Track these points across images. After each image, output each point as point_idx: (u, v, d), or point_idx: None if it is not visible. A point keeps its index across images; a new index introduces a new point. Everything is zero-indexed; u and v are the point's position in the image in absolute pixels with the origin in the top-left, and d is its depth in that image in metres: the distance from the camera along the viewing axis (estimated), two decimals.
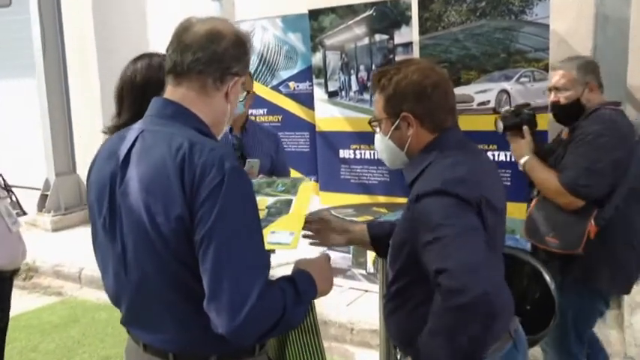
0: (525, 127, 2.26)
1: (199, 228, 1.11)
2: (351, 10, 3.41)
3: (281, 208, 1.68)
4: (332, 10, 3.48)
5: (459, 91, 3.03)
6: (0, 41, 6.30)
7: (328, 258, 1.42)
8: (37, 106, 5.82)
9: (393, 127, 1.46)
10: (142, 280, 1.21)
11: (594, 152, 2.06)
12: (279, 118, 3.79)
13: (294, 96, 3.75)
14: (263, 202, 1.71)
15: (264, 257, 1.18)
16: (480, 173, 1.38)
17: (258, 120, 3.74)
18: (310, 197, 1.77)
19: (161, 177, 1.15)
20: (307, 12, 3.57)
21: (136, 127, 1.27)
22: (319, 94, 3.59)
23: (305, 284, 1.26)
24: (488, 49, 2.97)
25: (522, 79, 2.89)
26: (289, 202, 1.70)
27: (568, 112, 2.21)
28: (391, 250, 1.47)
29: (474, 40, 3.01)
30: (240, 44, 1.28)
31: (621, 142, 2.09)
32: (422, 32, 3.16)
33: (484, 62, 3.00)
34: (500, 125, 2.29)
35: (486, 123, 2.84)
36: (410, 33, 3.21)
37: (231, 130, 2.76)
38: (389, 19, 3.28)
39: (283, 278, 1.25)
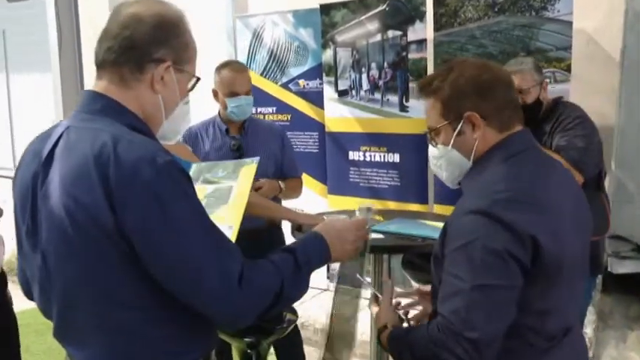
0: None
1: (141, 234, 1.01)
2: (363, 5, 3.25)
3: (220, 198, 1.53)
4: (344, 4, 3.32)
5: None
6: (16, 35, 6.29)
7: (359, 222, 1.34)
8: (51, 102, 5.80)
9: (455, 133, 1.28)
10: (66, 290, 1.10)
11: (585, 134, 2.26)
12: (288, 117, 3.64)
13: (303, 94, 3.60)
14: (202, 190, 1.57)
15: (225, 240, 1.10)
16: (540, 192, 1.20)
17: (267, 119, 3.61)
18: (251, 181, 1.63)
19: (83, 178, 1.04)
20: (318, 6, 3.42)
21: (63, 124, 1.15)
22: (329, 92, 3.44)
23: (309, 252, 1.20)
24: (506, 47, 2.78)
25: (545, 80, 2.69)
26: (229, 190, 1.56)
27: (533, 112, 2.35)
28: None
29: (492, 38, 2.82)
30: (163, 26, 1.15)
31: (596, 129, 2.34)
32: (437, 29, 2.98)
33: (502, 61, 2.79)
34: None
35: None
36: (424, 29, 3.03)
37: (227, 131, 2.64)
38: (402, 14, 3.10)
39: (281, 249, 1.21)
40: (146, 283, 1.05)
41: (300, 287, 1.18)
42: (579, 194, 1.33)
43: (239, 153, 2.58)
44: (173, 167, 1.05)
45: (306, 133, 3.59)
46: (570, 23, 2.59)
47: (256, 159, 1.74)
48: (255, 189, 2.43)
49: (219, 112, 2.69)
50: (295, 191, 2.77)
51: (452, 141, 1.29)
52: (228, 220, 1.46)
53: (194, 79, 1.25)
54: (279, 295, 1.11)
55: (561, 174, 1.32)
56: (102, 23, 1.19)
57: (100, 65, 1.16)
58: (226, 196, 1.55)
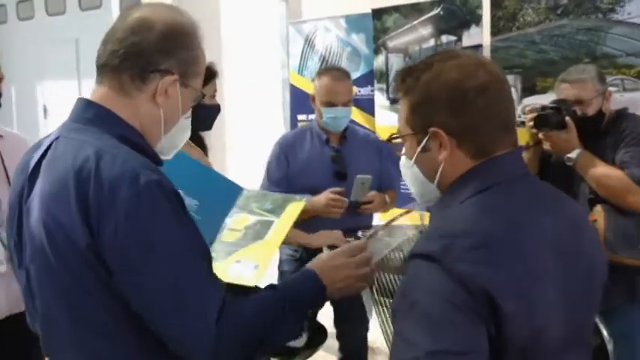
0: (568, 119, 2.00)
1: (118, 260, 0.94)
2: (416, 9, 3.11)
3: (259, 231, 1.44)
4: (396, 8, 3.19)
5: (532, 100, 2.65)
6: (88, 44, 6.56)
7: (357, 247, 1.19)
8: None
9: (419, 148, 1.03)
10: (47, 313, 1.05)
11: None
12: None
13: (355, 101, 3.47)
14: (244, 220, 1.49)
15: (206, 272, 1.01)
16: (519, 239, 0.91)
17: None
18: (293, 220, 1.50)
19: (61, 196, 0.97)
20: (370, 11, 3.31)
21: (54, 134, 1.09)
22: (380, 99, 3.32)
23: (300, 293, 1.08)
24: (569, 53, 2.56)
25: (609, 89, 2.46)
26: (269, 226, 1.46)
27: (594, 124, 2.08)
28: None
29: (553, 43, 2.61)
30: (170, 37, 1.06)
31: None
32: (494, 33, 2.80)
33: (564, 68, 2.57)
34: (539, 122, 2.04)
35: None
36: (480, 34, 2.86)
37: (327, 141, 2.49)
38: (457, 18, 2.94)
39: (268, 286, 1.11)
40: (123, 310, 0.98)
41: (287, 332, 1.08)
42: (589, 241, 1.03)
43: (339, 165, 2.41)
44: (157, 187, 0.96)
45: None
46: None
47: (306, 196, 1.59)
48: (367, 202, 2.32)
49: (317, 120, 2.51)
50: (392, 205, 2.54)
51: (415, 156, 1.05)
52: (256, 259, 1.37)
53: (198, 95, 1.16)
54: (262, 340, 1.02)
55: (563, 215, 1.02)
56: None
57: (101, 68, 1.08)
58: (264, 232, 1.45)
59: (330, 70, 2.53)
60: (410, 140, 1.06)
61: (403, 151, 1.12)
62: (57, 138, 1.06)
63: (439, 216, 1.06)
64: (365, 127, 3.43)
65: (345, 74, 2.50)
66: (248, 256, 1.35)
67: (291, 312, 1.06)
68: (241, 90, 4.88)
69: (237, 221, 1.51)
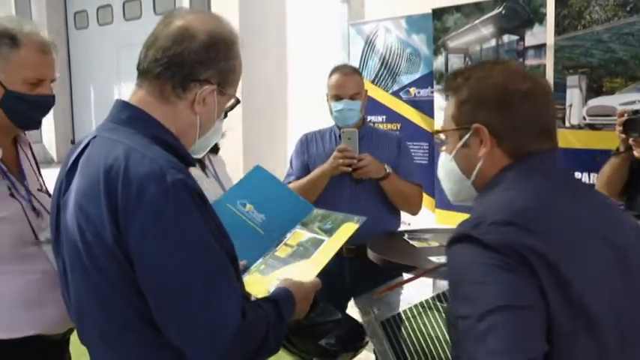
0: None
1: (138, 254, 0.97)
2: (477, 8, 3.03)
3: (308, 249, 1.44)
4: (457, 8, 3.12)
5: (599, 102, 2.53)
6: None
7: (317, 285, 1.28)
8: None
9: (460, 144, 1.09)
10: (78, 303, 1.10)
11: None
12: (398, 127, 3.52)
13: (414, 103, 3.45)
14: (298, 237, 1.49)
15: (232, 280, 1.03)
16: (554, 217, 0.95)
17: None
18: (343, 241, 1.48)
19: (92, 193, 1.01)
20: (431, 11, 3.26)
21: (92, 133, 1.14)
22: (440, 101, 3.25)
23: (287, 306, 1.15)
24: (639, 51, 2.42)
25: None
26: (318, 245, 1.45)
27: None
28: None
29: (622, 41, 2.47)
30: (212, 47, 1.09)
31: None
32: (558, 32, 2.69)
33: (634, 68, 2.45)
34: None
35: None
36: (544, 33, 2.75)
37: (340, 137, 2.50)
38: (520, 17, 2.84)
39: (264, 299, 1.16)
40: (147, 305, 1.01)
41: (280, 339, 1.11)
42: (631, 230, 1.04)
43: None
44: (183, 186, 0.99)
45: (415, 143, 3.44)
46: None
47: (362, 219, 1.56)
48: (358, 160, 2.32)
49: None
50: (410, 199, 2.47)
51: (454, 151, 1.11)
52: (298, 277, 1.34)
53: (233, 101, 1.19)
54: (263, 342, 1.05)
55: (600, 206, 1.05)
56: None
57: (142, 73, 1.12)
58: (312, 251, 1.45)
59: (338, 67, 2.58)
60: (452, 136, 1.12)
61: (444, 148, 1.16)
62: (94, 137, 1.11)
63: (474, 206, 1.09)
64: (424, 129, 3.40)
65: (353, 70, 2.56)
66: (289, 275, 1.35)
67: (285, 319, 1.13)
68: (305, 90, 4.93)
69: (294, 237, 1.53)
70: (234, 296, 1.01)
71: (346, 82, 2.45)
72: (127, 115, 1.10)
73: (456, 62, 3.15)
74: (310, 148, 2.56)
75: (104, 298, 1.05)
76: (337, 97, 2.45)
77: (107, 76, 7.46)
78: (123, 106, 1.12)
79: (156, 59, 1.09)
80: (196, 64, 1.09)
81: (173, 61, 1.08)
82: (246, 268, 1.44)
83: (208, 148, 1.24)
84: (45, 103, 1.49)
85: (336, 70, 2.54)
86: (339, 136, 2.50)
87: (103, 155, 1.04)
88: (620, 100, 2.50)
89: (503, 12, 2.90)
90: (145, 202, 0.97)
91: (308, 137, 2.63)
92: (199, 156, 1.21)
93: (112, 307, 1.05)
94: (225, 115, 1.22)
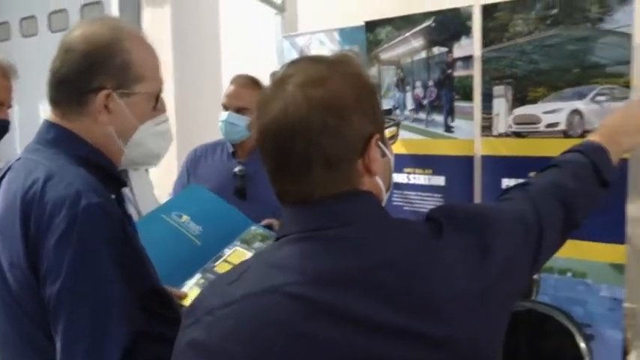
0: None
1: (48, 285, 0.92)
2: (408, 21, 3.12)
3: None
4: (389, 21, 3.20)
5: (524, 110, 2.65)
6: None
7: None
8: None
9: None
10: (2, 338, 1.04)
11: None
12: None
13: None
14: (240, 256, 1.48)
15: (120, 320, 0.94)
16: None
17: None
18: None
19: (9, 219, 0.97)
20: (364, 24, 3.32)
21: (16, 155, 1.10)
22: None
23: None
24: (559, 62, 2.56)
25: (599, 98, 2.45)
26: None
27: None
28: None
29: (543, 53, 2.61)
30: (91, 53, 1.04)
31: None
32: (485, 44, 2.80)
33: (555, 78, 2.58)
34: None
35: (554, 148, 2.42)
36: (471, 45, 2.86)
37: (234, 154, 2.40)
38: (448, 30, 2.95)
39: None
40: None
41: None
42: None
43: (241, 182, 2.27)
44: (97, 211, 0.94)
45: None
46: (629, 35, 2.35)
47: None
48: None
49: None
50: None
51: None
52: None
53: (154, 96, 1.12)
54: None
55: None
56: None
57: (48, 99, 1.08)
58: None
59: (238, 76, 2.43)
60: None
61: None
62: (18, 159, 1.07)
63: None
64: None
65: (250, 82, 2.38)
66: None
67: None
68: None
69: (235, 255, 1.51)
70: (119, 337, 0.92)
71: (236, 93, 2.33)
72: (54, 135, 1.06)
73: (389, 74, 3.22)
74: (193, 169, 2.40)
75: (21, 327, 0.99)
76: (224, 107, 2.33)
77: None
78: (48, 125, 1.08)
79: (50, 83, 1.07)
80: (81, 75, 1.04)
81: (57, 80, 1.05)
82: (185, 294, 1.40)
83: (158, 157, 1.18)
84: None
85: (234, 78, 2.42)
86: (233, 153, 2.36)
87: (22, 177, 1.00)
88: (544, 109, 2.62)
89: (432, 25, 2.99)
90: (53, 228, 0.92)
91: (195, 155, 2.46)
92: (151, 165, 1.17)
93: (28, 336, 0.99)
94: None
